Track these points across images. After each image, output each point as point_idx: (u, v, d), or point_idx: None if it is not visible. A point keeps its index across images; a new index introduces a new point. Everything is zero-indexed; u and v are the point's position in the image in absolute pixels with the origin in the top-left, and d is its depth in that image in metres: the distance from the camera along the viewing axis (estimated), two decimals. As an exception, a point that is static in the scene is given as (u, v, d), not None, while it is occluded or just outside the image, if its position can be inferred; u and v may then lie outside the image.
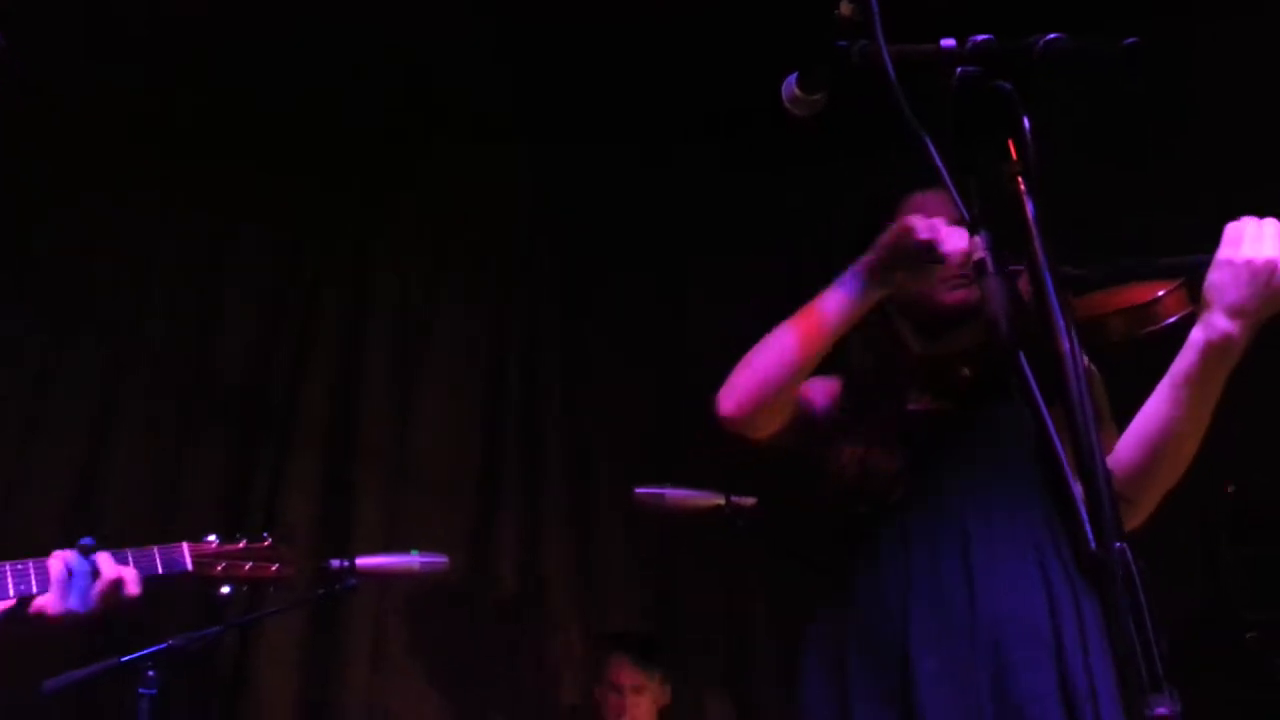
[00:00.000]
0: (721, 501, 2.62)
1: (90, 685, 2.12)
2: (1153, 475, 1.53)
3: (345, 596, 2.48)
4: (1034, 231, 0.94)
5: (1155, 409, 1.51)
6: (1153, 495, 1.56)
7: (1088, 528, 0.83)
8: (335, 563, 2.37)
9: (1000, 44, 1.05)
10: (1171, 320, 1.47)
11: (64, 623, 1.69)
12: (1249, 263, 1.38)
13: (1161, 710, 0.77)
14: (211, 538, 1.96)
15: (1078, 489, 0.85)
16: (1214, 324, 1.41)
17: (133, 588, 1.74)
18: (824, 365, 1.67)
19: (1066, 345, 0.88)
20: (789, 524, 2.36)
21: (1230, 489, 3.13)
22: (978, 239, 0.97)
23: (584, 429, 3.71)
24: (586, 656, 3.41)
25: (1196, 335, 1.43)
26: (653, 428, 3.62)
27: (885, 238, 1.54)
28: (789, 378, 1.58)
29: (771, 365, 1.57)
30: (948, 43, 1.09)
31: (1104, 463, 0.86)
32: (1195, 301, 1.46)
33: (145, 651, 2.12)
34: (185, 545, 1.89)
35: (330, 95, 3.67)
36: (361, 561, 2.40)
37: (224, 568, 1.93)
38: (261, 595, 2.29)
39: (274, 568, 2.01)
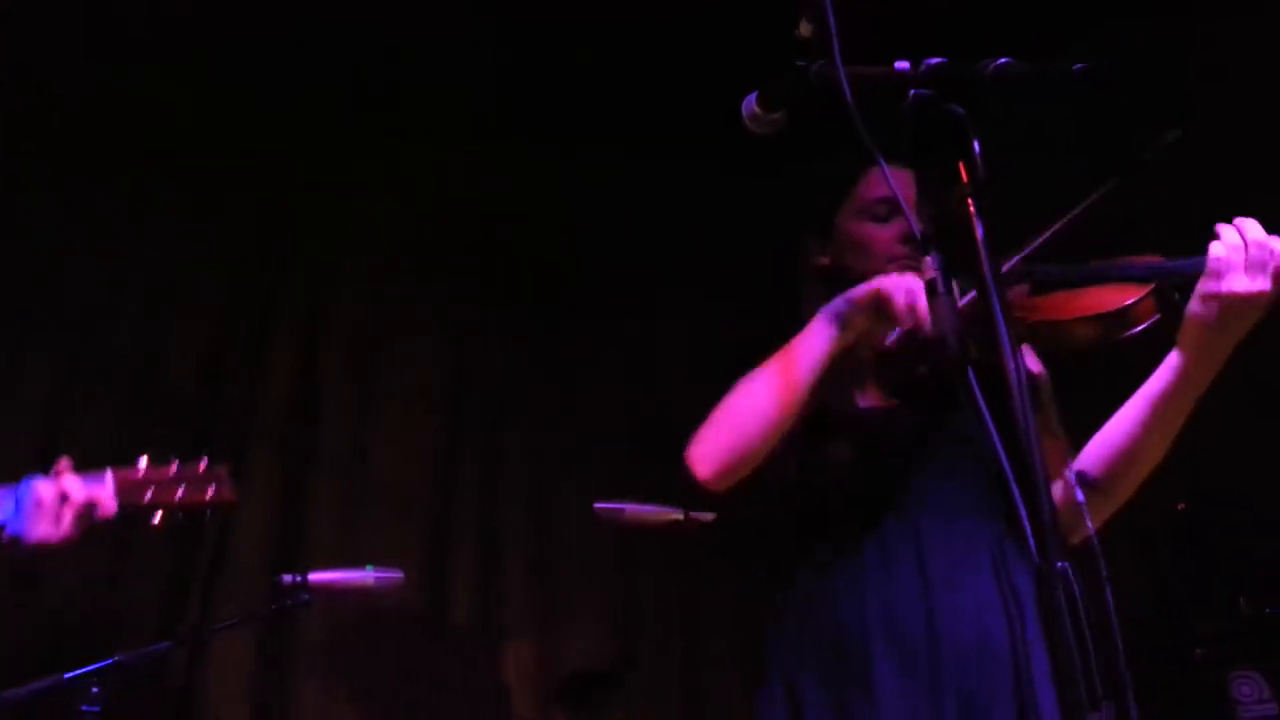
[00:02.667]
0: (680, 516, 2.62)
1: (31, 704, 2.07)
2: (1123, 478, 1.58)
3: (298, 612, 2.45)
4: (983, 252, 0.95)
5: (1128, 423, 1.55)
6: (1123, 493, 1.60)
7: (1032, 546, 0.84)
8: (287, 578, 2.34)
9: (952, 67, 1.06)
10: (1139, 329, 1.48)
11: (41, 550, 1.64)
12: (1232, 295, 1.40)
13: (1101, 727, 0.78)
14: (141, 460, 1.81)
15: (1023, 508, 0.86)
16: (1193, 349, 1.45)
17: (108, 506, 1.69)
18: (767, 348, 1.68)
19: (1012, 365, 0.89)
20: (745, 529, 2.36)
21: (1181, 506, 3.17)
22: (928, 259, 0.98)
23: (543, 443, 3.69)
24: (543, 670, 3.39)
25: (1174, 360, 1.47)
26: (612, 442, 3.62)
27: (863, 295, 1.49)
28: (769, 437, 1.51)
29: (751, 426, 1.51)
30: (901, 65, 1.11)
31: (1047, 483, 0.87)
32: (1163, 310, 1.47)
33: (89, 668, 2.08)
34: (109, 472, 1.76)
35: (290, 102, 3.65)
36: (314, 577, 2.37)
37: (153, 494, 1.78)
38: (199, 522, 2.05)
39: (210, 490, 1.84)
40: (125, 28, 3.33)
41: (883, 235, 1.68)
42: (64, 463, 1.74)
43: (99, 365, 3.47)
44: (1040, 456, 0.87)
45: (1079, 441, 1.64)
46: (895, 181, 1.66)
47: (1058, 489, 1.58)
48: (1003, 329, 0.89)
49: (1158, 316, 1.47)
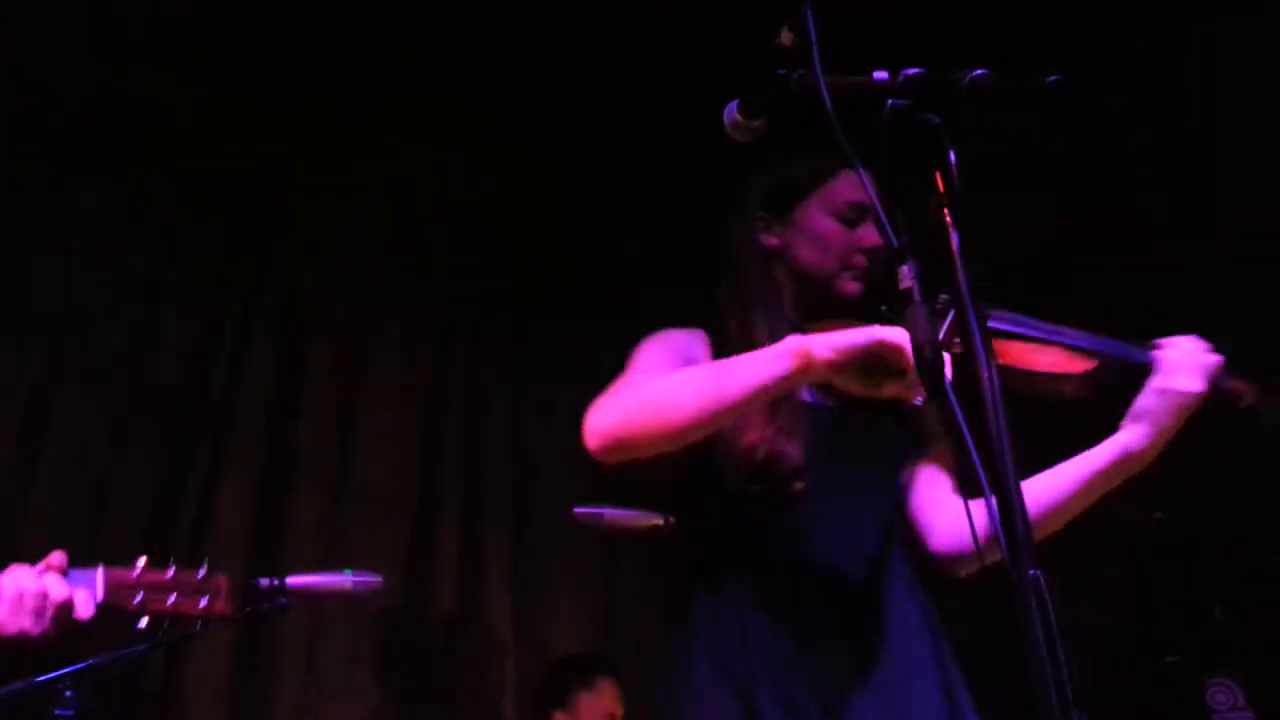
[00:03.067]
0: (660, 521, 2.61)
1: (3, 708, 2.04)
2: (1037, 531, 1.63)
3: (276, 616, 2.43)
4: (959, 262, 0.95)
5: (1062, 487, 1.62)
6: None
7: (1006, 554, 0.84)
8: (264, 581, 2.31)
9: (929, 77, 1.07)
10: (1069, 396, 1.61)
11: (15, 641, 1.60)
12: (1180, 394, 1.55)
13: (1072, 736, 0.78)
14: (139, 562, 1.75)
15: (995, 514, 0.86)
16: (1143, 438, 1.57)
17: (84, 610, 1.64)
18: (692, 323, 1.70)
19: (986, 374, 0.89)
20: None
21: (1158, 516, 3.20)
22: (905, 268, 0.99)
23: (524, 447, 3.69)
24: (525, 673, 3.38)
25: (1122, 441, 1.58)
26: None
27: (880, 343, 1.36)
28: (673, 439, 1.46)
29: (660, 423, 1.44)
30: (880, 75, 1.11)
31: (1019, 489, 0.88)
32: (1096, 387, 1.59)
33: (62, 671, 2.05)
34: (100, 570, 1.71)
35: (276, 101, 3.65)
36: (292, 580, 2.35)
37: (142, 599, 1.72)
38: (188, 630, 2.05)
39: (203, 602, 1.78)
40: (123, 26, 3.32)
41: (846, 239, 1.68)
42: (55, 558, 1.67)
43: (81, 363, 3.45)
44: (1014, 462, 0.88)
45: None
46: (853, 184, 1.68)
47: (961, 517, 1.62)
48: (978, 340, 0.90)
49: (1091, 392, 1.60)
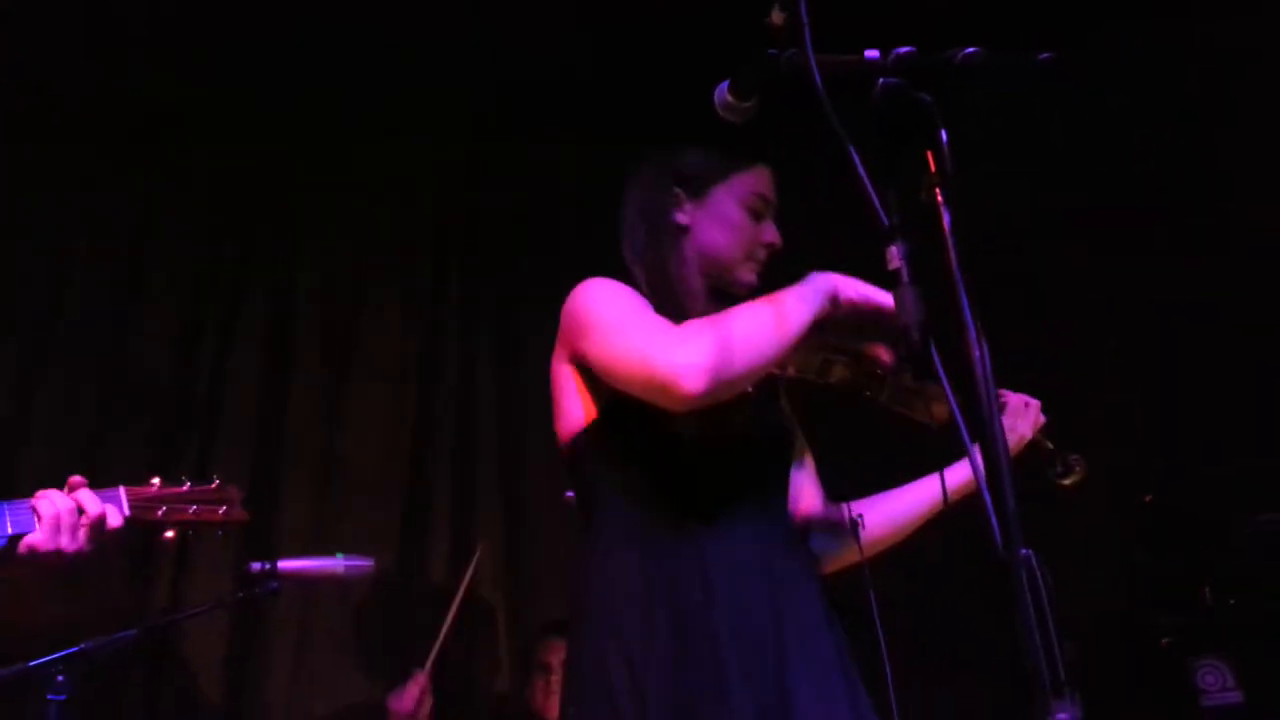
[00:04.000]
0: (653, 506, 2.61)
1: (-6, 691, 2.04)
2: (890, 543, 1.82)
3: (267, 600, 2.43)
4: (950, 242, 0.95)
5: (911, 510, 1.79)
6: (878, 552, 1.82)
7: (996, 532, 0.84)
8: (256, 565, 2.32)
9: (921, 56, 1.06)
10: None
11: (55, 560, 1.67)
12: (1019, 440, 1.77)
13: (1062, 716, 0.79)
14: (155, 479, 1.87)
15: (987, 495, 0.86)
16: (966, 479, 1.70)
17: (114, 520, 1.73)
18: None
19: (977, 352, 0.89)
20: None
21: (1148, 499, 3.21)
22: (894, 248, 0.98)
23: (517, 429, 3.68)
24: (517, 658, 3.39)
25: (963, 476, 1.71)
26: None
27: (882, 301, 1.49)
28: (759, 371, 1.52)
29: (753, 356, 1.46)
30: (871, 54, 1.11)
31: (1010, 469, 0.88)
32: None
33: (55, 656, 2.05)
34: (122, 489, 1.81)
35: (262, 87, 3.62)
36: (284, 564, 2.35)
37: (165, 511, 1.84)
38: (208, 540, 2.12)
39: (221, 510, 1.92)
40: (116, 20, 3.30)
41: (752, 230, 1.74)
42: (76, 479, 1.77)
43: (67, 352, 3.44)
44: (1004, 442, 0.88)
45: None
46: (764, 180, 1.75)
47: (830, 514, 1.80)
48: (969, 317, 0.90)
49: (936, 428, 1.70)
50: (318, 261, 3.76)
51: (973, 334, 0.90)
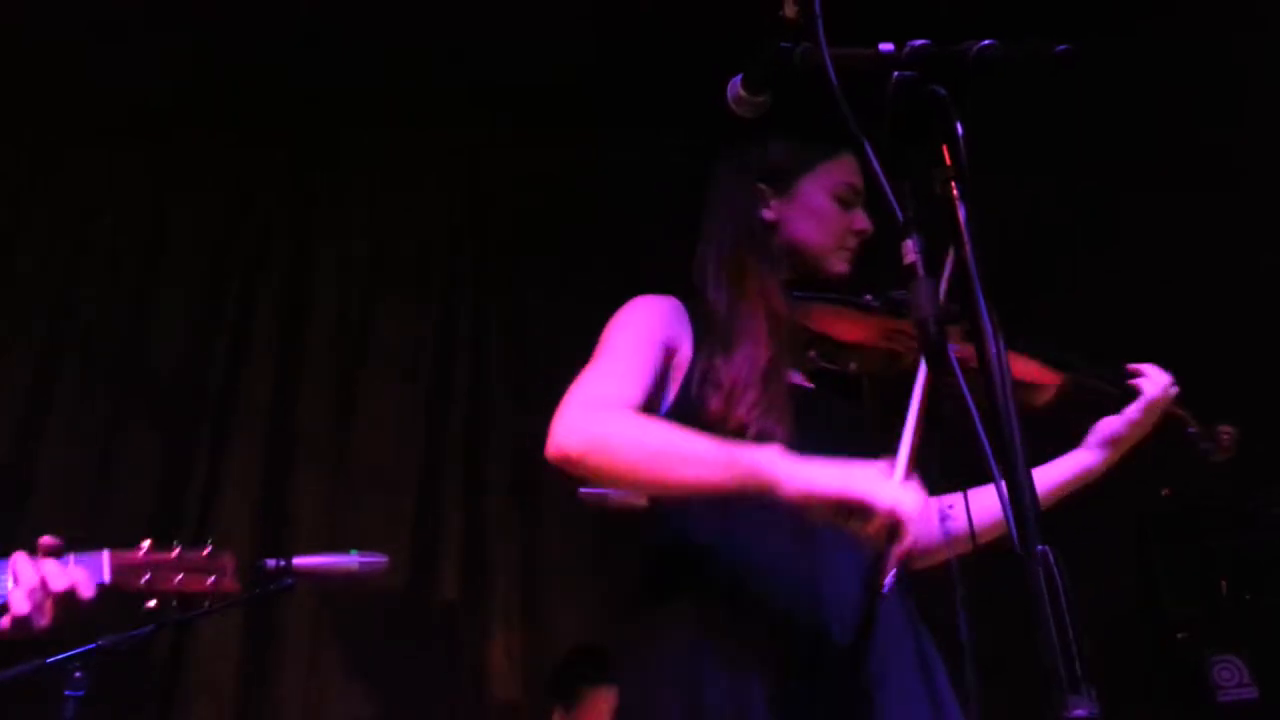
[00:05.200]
0: (665, 502, 2.61)
1: (13, 688, 2.05)
2: (985, 539, 1.62)
3: (282, 596, 2.44)
4: (965, 236, 0.94)
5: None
6: (972, 549, 1.66)
7: (1013, 529, 0.84)
8: (271, 562, 2.32)
9: (936, 48, 1.05)
10: (1037, 407, 1.67)
11: (21, 632, 1.56)
12: (1145, 425, 1.71)
13: (1080, 712, 0.78)
14: (144, 544, 1.75)
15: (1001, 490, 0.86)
16: (1099, 459, 1.73)
17: (85, 592, 1.60)
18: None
19: (993, 348, 0.89)
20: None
21: (1166, 492, 3.20)
22: (909, 242, 0.98)
23: (529, 427, 3.68)
24: (529, 653, 3.39)
25: (1083, 461, 1.73)
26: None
27: (829, 493, 1.32)
28: (652, 492, 1.50)
29: (649, 476, 1.43)
30: (885, 47, 1.10)
31: (1027, 465, 0.87)
32: (1060, 401, 1.67)
33: (72, 652, 2.06)
34: (106, 553, 1.70)
35: (276, 77, 3.63)
36: (298, 561, 2.36)
37: (149, 580, 1.72)
38: (195, 608, 2.05)
39: (210, 581, 1.79)
40: (123, 6, 3.31)
41: (842, 219, 1.71)
42: (46, 541, 1.64)
43: (82, 346, 3.46)
44: (1021, 438, 0.87)
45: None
46: (851, 167, 1.70)
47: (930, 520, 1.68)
48: (984, 314, 0.89)
49: (1058, 406, 1.69)
50: (330, 257, 3.77)
51: (988, 329, 0.90)
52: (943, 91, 1.01)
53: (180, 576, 1.77)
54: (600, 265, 3.89)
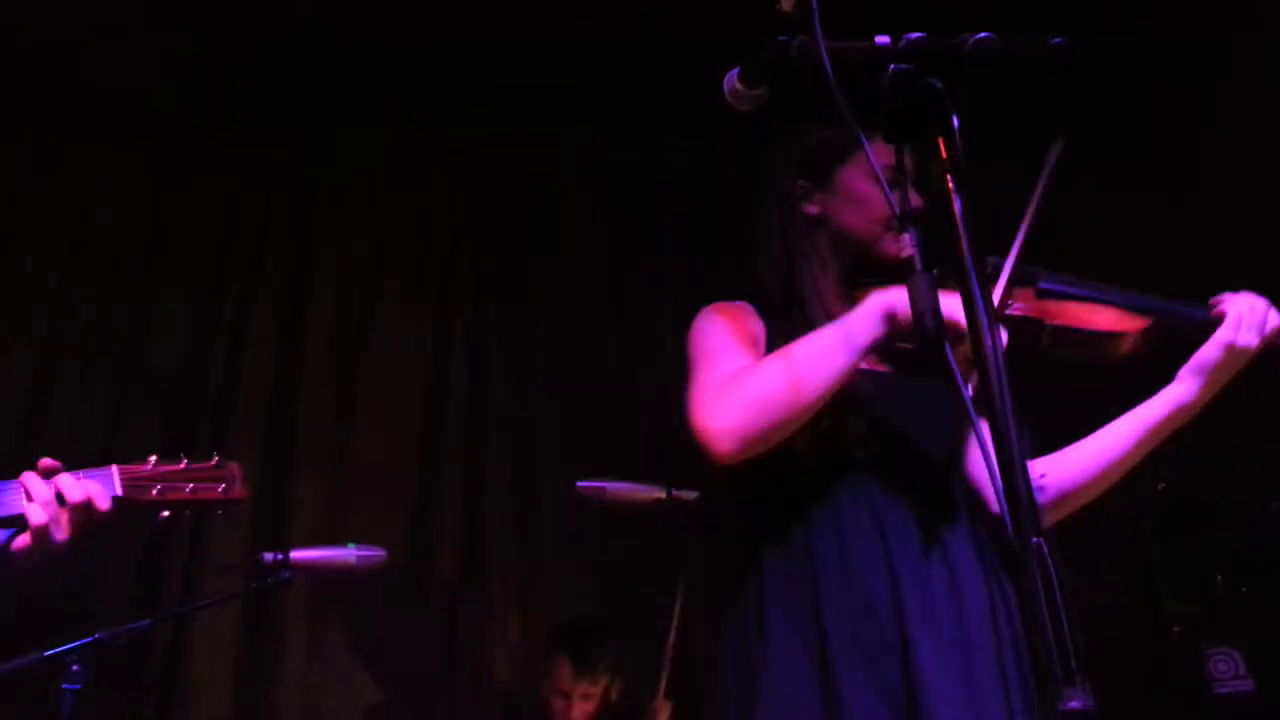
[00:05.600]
0: (663, 495, 2.61)
1: (10, 681, 2.05)
2: (1083, 496, 1.68)
3: (280, 589, 2.44)
4: (961, 228, 0.94)
5: (1113, 444, 1.66)
6: (1079, 504, 1.69)
7: (1007, 521, 0.84)
8: (269, 556, 2.32)
9: (932, 42, 1.05)
10: (1123, 356, 1.63)
11: (38, 553, 1.59)
12: (1244, 349, 1.61)
13: (1074, 704, 0.78)
14: (151, 457, 1.78)
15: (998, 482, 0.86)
16: (1194, 391, 1.63)
17: (102, 503, 1.63)
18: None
19: (989, 340, 0.89)
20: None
21: (1161, 487, 3.20)
22: (906, 236, 0.98)
23: (527, 420, 3.69)
24: (527, 647, 3.39)
25: (1176, 395, 1.64)
26: (595, 419, 3.61)
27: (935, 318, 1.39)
28: (798, 421, 1.48)
29: (784, 409, 1.46)
30: (882, 40, 1.10)
31: (1023, 458, 0.87)
32: (1150, 345, 1.62)
33: (69, 646, 2.06)
34: (114, 468, 1.72)
35: (276, 77, 3.62)
36: (296, 554, 2.36)
37: (160, 490, 1.75)
38: (207, 519, 2.00)
39: (220, 488, 1.81)
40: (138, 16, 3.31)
41: (887, 203, 1.64)
42: (48, 462, 1.67)
43: (81, 342, 3.46)
44: (1018, 431, 0.87)
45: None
46: (881, 156, 1.68)
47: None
48: (980, 306, 0.89)
49: (1144, 350, 1.64)
50: (330, 257, 3.77)
51: (984, 322, 0.90)
52: (939, 84, 1.01)
53: (191, 485, 1.79)
54: (600, 265, 3.89)
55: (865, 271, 1.67)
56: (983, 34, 1.03)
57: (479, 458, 3.62)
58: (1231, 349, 1.60)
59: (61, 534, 1.60)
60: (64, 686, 2.03)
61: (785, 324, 1.62)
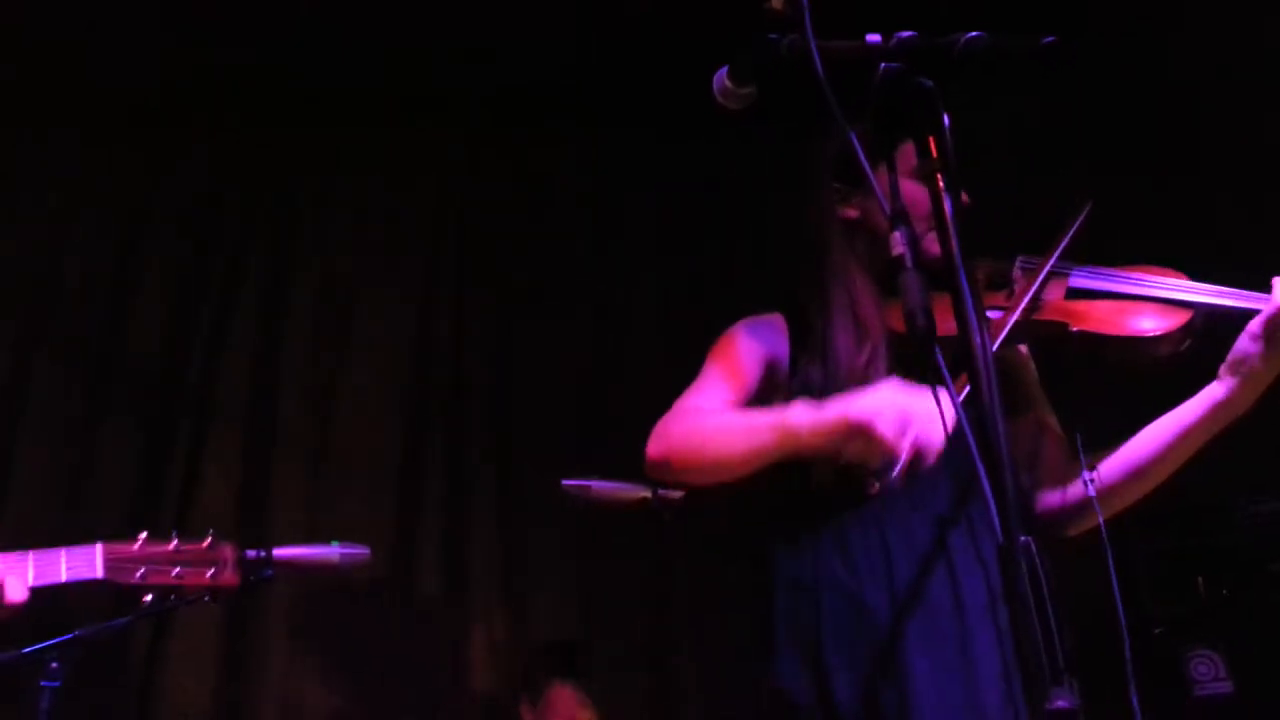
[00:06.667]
0: (648, 494, 2.61)
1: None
2: (1131, 495, 1.64)
3: (262, 587, 2.42)
4: (951, 227, 0.94)
5: (1152, 447, 1.59)
6: (1130, 501, 1.66)
7: (995, 521, 0.84)
8: (251, 553, 2.30)
9: (923, 40, 1.05)
10: (1165, 355, 1.53)
11: None
12: (1273, 342, 1.46)
13: (1061, 703, 0.78)
14: (141, 536, 1.71)
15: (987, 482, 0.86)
16: (1230, 388, 1.51)
17: (14, 595, 1.56)
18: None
19: (977, 339, 0.89)
20: (725, 511, 2.33)
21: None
22: (897, 234, 0.98)
23: (510, 419, 3.68)
24: (510, 646, 3.38)
25: (1217, 394, 1.52)
26: (580, 418, 3.61)
27: (855, 429, 1.39)
28: (731, 477, 1.52)
29: (720, 462, 1.51)
30: (873, 38, 1.10)
31: (1011, 456, 0.87)
32: (1193, 339, 1.52)
33: (48, 643, 2.04)
34: (99, 547, 1.66)
35: (276, 77, 3.61)
36: (279, 552, 2.33)
37: (144, 573, 1.68)
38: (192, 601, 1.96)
39: (209, 573, 1.75)
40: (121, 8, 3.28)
41: (928, 200, 1.66)
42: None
43: (59, 336, 3.43)
44: (1005, 434, 0.87)
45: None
46: (910, 158, 1.67)
47: (1073, 484, 1.64)
48: (969, 304, 0.89)
49: (1189, 344, 1.53)
50: (313, 250, 3.75)
51: (973, 321, 0.90)
52: (929, 83, 1.01)
53: (178, 570, 1.73)
54: (581, 261, 3.89)
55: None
56: (973, 33, 1.03)
57: (462, 456, 3.61)
58: (1260, 341, 1.46)
59: None
60: (43, 684, 2.01)
61: (812, 342, 1.62)
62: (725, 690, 3.13)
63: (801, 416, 1.44)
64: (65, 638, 2.05)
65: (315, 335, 3.65)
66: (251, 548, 2.33)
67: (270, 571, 2.32)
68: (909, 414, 1.36)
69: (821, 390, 1.54)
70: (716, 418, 1.55)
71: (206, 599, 1.81)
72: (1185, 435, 1.56)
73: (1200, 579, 3.12)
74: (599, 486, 2.63)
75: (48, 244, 3.52)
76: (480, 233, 3.89)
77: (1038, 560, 0.82)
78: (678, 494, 2.64)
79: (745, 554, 1.71)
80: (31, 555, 1.60)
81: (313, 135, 3.82)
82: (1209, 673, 3.01)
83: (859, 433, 1.38)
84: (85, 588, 1.63)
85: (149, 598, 1.71)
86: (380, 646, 3.31)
